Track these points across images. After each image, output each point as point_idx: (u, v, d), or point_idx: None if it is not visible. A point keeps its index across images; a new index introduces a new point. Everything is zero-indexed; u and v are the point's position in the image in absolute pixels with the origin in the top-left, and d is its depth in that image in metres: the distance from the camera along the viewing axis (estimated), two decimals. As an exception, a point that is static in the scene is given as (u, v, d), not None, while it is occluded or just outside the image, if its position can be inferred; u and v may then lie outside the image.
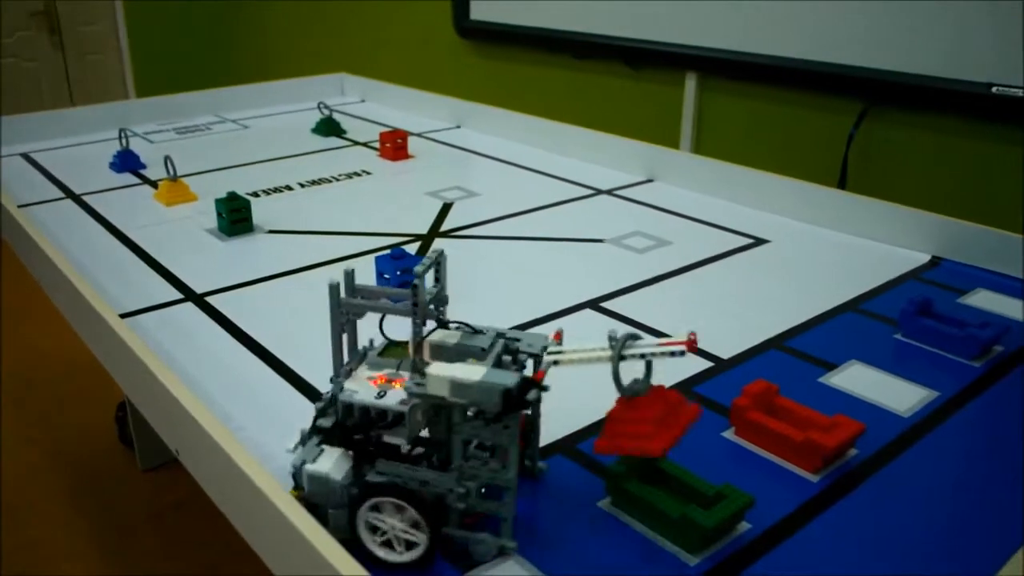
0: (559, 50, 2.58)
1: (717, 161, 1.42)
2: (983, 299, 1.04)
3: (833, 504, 0.68)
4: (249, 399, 0.83)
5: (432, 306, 0.67)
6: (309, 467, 0.61)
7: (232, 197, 1.25)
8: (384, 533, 0.61)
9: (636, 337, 0.60)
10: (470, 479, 0.61)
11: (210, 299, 1.04)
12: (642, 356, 0.59)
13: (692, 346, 0.59)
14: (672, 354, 0.58)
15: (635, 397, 0.60)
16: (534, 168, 1.58)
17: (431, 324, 0.67)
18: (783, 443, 0.73)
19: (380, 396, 0.61)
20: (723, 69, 2.18)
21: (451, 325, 0.67)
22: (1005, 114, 1.73)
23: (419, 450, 0.63)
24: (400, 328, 0.70)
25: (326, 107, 1.87)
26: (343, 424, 0.62)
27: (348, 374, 0.65)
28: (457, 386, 0.57)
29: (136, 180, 1.51)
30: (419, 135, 1.81)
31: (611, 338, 0.60)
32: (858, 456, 0.74)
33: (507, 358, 0.65)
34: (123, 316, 0.99)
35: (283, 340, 0.94)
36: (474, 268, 1.14)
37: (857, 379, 0.86)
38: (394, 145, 1.64)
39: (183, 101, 2.00)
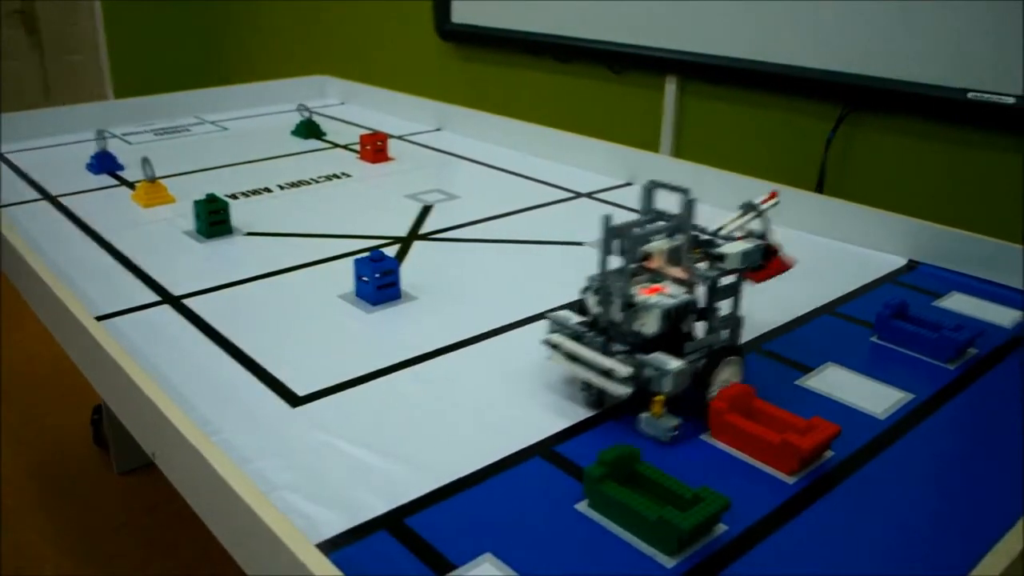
0: (540, 53, 2.58)
1: (696, 164, 1.43)
2: (958, 302, 1.05)
3: (809, 506, 0.68)
4: (226, 402, 0.82)
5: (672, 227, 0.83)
6: (672, 366, 0.74)
7: (211, 199, 1.25)
8: (715, 388, 0.79)
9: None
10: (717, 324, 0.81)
11: (187, 302, 1.03)
12: (764, 213, 0.89)
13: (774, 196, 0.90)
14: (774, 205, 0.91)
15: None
16: (514, 171, 1.58)
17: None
18: (760, 445, 0.73)
19: (674, 297, 0.78)
20: (703, 73, 2.19)
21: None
22: (980, 119, 1.75)
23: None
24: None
25: (306, 109, 1.87)
26: (674, 328, 0.78)
27: (627, 291, 0.78)
28: (746, 255, 0.82)
29: (114, 182, 1.51)
30: (399, 138, 1.81)
31: (749, 205, 0.90)
32: (834, 458, 0.74)
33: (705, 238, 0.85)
34: (99, 319, 0.98)
35: (261, 343, 0.93)
36: (453, 271, 1.14)
37: (834, 381, 0.86)
38: (374, 147, 1.63)
39: (162, 102, 1.99)
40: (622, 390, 0.76)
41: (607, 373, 0.77)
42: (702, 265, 0.82)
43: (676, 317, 0.78)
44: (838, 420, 0.76)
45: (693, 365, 0.78)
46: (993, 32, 1.67)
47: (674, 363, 0.75)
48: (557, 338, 0.81)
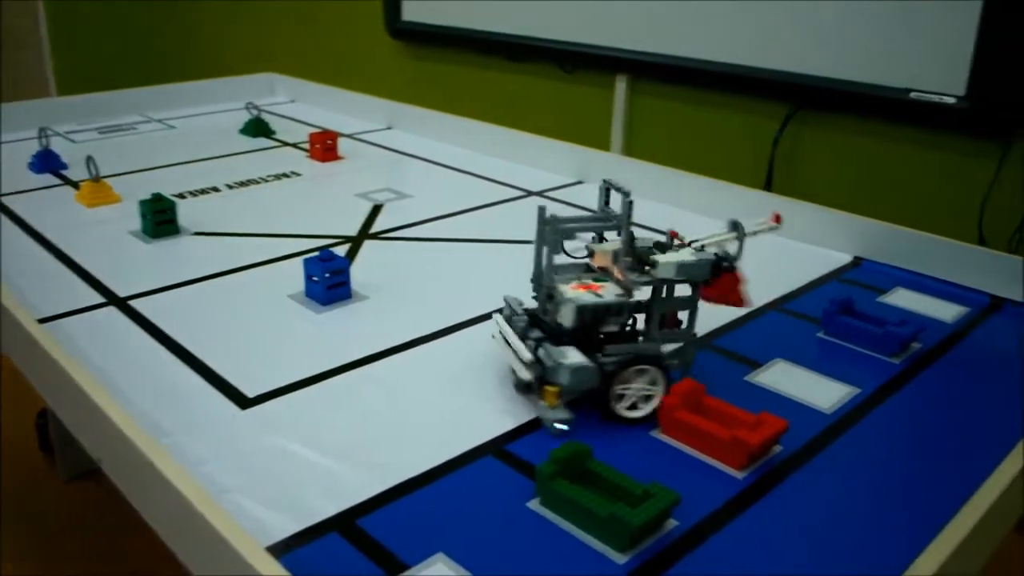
0: (491, 52, 2.58)
1: (646, 163, 1.44)
2: (902, 298, 1.07)
3: (758, 500, 0.69)
4: (174, 405, 0.81)
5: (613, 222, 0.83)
6: (568, 362, 0.75)
7: (157, 198, 1.23)
8: (629, 398, 0.78)
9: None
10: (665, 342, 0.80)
11: (134, 303, 1.02)
12: (755, 234, 0.84)
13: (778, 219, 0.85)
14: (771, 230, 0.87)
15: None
16: (465, 170, 1.58)
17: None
18: (710, 441, 0.74)
19: (600, 297, 0.78)
20: (653, 72, 2.21)
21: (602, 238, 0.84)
22: (922, 119, 1.79)
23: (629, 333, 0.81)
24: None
25: (255, 107, 1.85)
26: (582, 325, 0.78)
27: (559, 284, 0.80)
28: (681, 267, 0.78)
29: (57, 181, 1.48)
30: (350, 136, 1.80)
31: (734, 224, 0.83)
32: (783, 452, 0.75)
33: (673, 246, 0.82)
34: (41, 321, 0.96)
35: (209, 344, 0.92)
36: (404, 270, 1.13)
37: (782, 377, 0.87)
38: (324, 146, 1.62)
39: (107, 100, 1.96)
40: (524, 374, 0.78)
41: (517, 356, 0.79)
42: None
43: (594, 316, 0.78)
44: (786, 415, 0.77)
45: (602, 366, 0.77)
46: (935, 34, 1.70)
47: (573, 359, 0.76)
48: (498, 317, 0.84)
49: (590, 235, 0.84)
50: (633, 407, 0.78)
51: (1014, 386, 0.88)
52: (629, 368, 0.77)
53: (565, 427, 0.77)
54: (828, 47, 1.86)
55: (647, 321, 0.81)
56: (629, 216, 0.78)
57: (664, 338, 0.81)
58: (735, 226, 0.83)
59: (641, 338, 0.81)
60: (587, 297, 0.78)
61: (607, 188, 0.83)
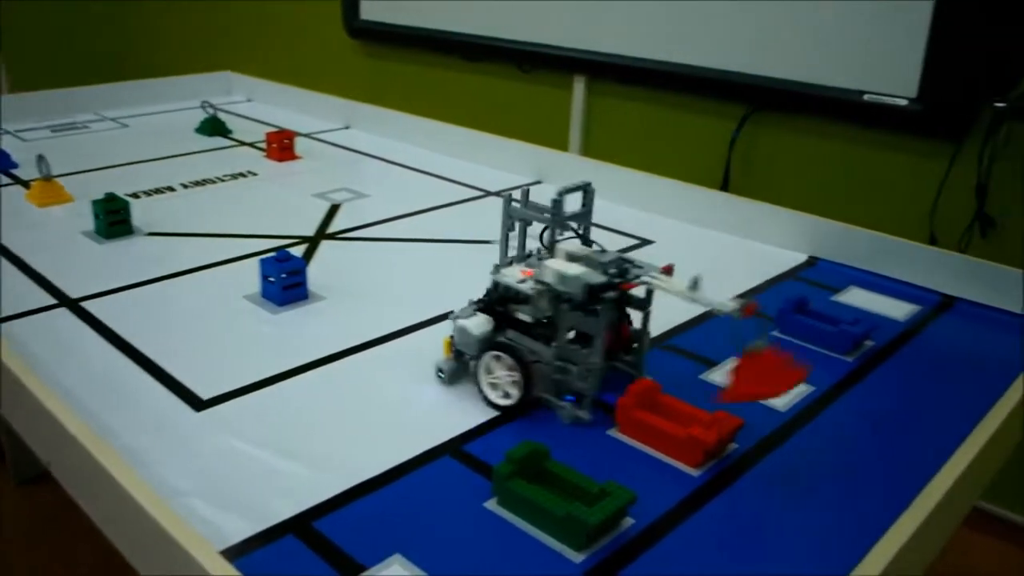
0: (450, 51, 2.57)
1: (604, 163, 1.44)
2: (855, 297, 1.09)
3: (713, 498, 0.70)
4: (127, 407, 0.80)
5: (577, 224, 0.85)
6: (460, 321, 0.82)
7: (110, 198, 1.21)
8: (496, 378, 0.80)
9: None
10: (567, 358, 0.78)
11: (86, 304, 1.00)
12: (710, 305, 0.73)
13: (750, 311, 0.71)
14: (730, 312, 0.71)
15: (758, 353, 0.71)
16: (423, 169, 1.58)
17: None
18: (666, 440, 0.74)
19: (521, 282, 0.80)
20: (611, 73, 2.21)
21: (591, 244, 0.84)
22: (875, 120, 1.81)
23: (540, 331, 0.80)
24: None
25: (211, 106, 1.83)
26: (489, 297, 0.83)
27: (509, 265, 0.84)
28: (560, 276, 0.77)
29: (7, 180, 1.45)
30: (307, 135, 1.79)
31: (695, 281, 0.74)
32: (738, 450, 0.76)
33: (613, 271, 0.78)
34: (-9, 323, 0.94)
35: (163, 346, 0.91)
36: (362, 270, 1.13)
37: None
38: (281, 146, 1.61)
39: (59, 97, 1.92)
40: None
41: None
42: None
43: (504, 295, 0.82)
44: (741, 413, 0.78)
45: (484, 339, 0.81)
46: (888, 37, 1.73)
47: (468, 320, 0.82)
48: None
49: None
50: (506, 396, 0.80)
51: (964, 383, 0.89)
52: (490, 350, 0.80)
53: (441, 375, 0.84)
54: (784, 49, 1.88)
55: (558, 328, 0.79)
56: (557, 213, 0.81)
57: (565, 352, 0.79)
58: (694, 284, 0.75)
59: (550, 342, 0.79)
60: (506, 278, 0.81)
61: (585, 191, 0.85)
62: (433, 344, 0.93)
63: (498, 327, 0.82)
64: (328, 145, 1.73)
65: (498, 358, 0.80)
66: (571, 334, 0.81)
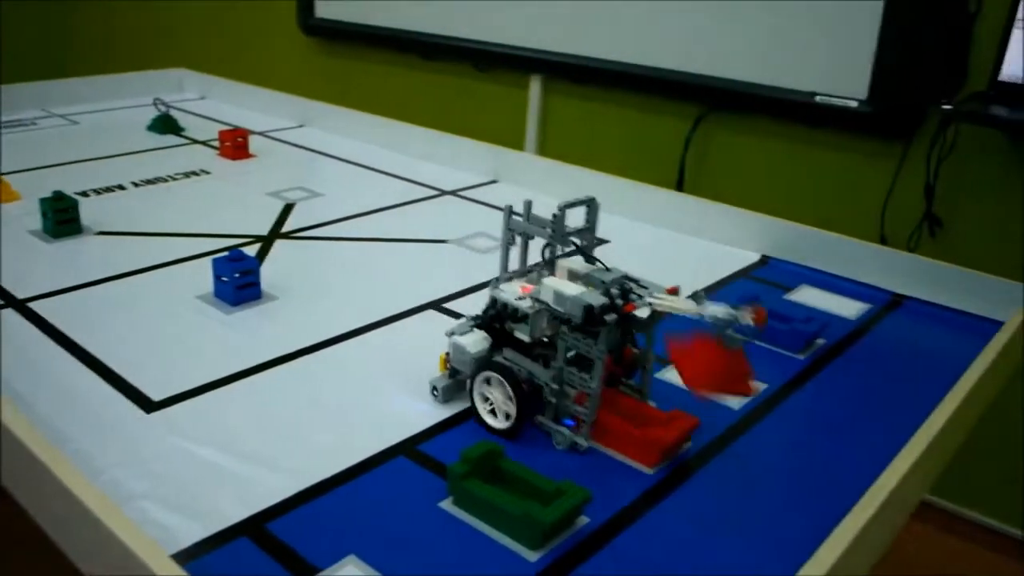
0: (405, 50, 2.57)
1: (560, 163, 1.45)
2: (807, 295, 1.10)
3: (668, 495, 0.70)
4: (77, 410, 0.79)
5: (579, 239, 0.80)
6: (456, 338, 0.79)
7: (58, 196, 1.19)
8: (491, 403, 0.77)
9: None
10: (565, 381, 0.75)
11: (33, 305, 0.98)
12: (715, 318, 0.68)
13: (759, 320, 0.69)
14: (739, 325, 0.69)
15: (732, 348, 0.69)
16: (379, 168, 1.57)
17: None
18: (623, 439, 0.75)
19: (519, 299, 0.77)
20: (567, 73, 2.22)
21: (594, 261, 0.79)
22: (827, 121, 1.84)
23: (540, 351, 0.78)
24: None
25: (163, 103, 1.80)
26: (487, 314, 0.80)
27: (509, 280, 0.81)
28: (558, 296, 0.72)
29: (-49, 178, 1.42)
30: (261, 134, 1.77)
31: (697, 296, 0.70)
32: (691, 449, 0.76)
33: (615, 291, 0.74)
34: (-65, 324, 0.92)
35: (113, 347, 0.90)
36: (316, 270, 1.12)
37: (691, 374, 0.89)
38: (234, 144, 1.59)
39: (5, 93, 1.88)
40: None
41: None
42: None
43: (501, 312, 0.79)
44: (696, 412, 0.79)
45: (480, 359, 0.78)
46: (839, 40, 1.75)
47: (462, 338, 0.79)
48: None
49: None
50: (506, 418, 0.76)
51: (913, 380, 0.91)
52: (496, 373, 0.76)
53: (436, 393, 0.81)
54: (738, 51, 1.90)
55: (556, 348, 0.76)
56: (558, 230, 0.77)
57: (564, 374, 0.75)
58: (698, 297, 0.71)
59: (549, 363, 0.77)
60: (504, 294, 0.78)
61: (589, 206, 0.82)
62: (387, 344, 0.93)
63: (496, 345, 0.79)
64: (282, 143, 1.72)
65: (489, 380, 0.77)
66: (570, 354, 0.76)
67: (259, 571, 0.60)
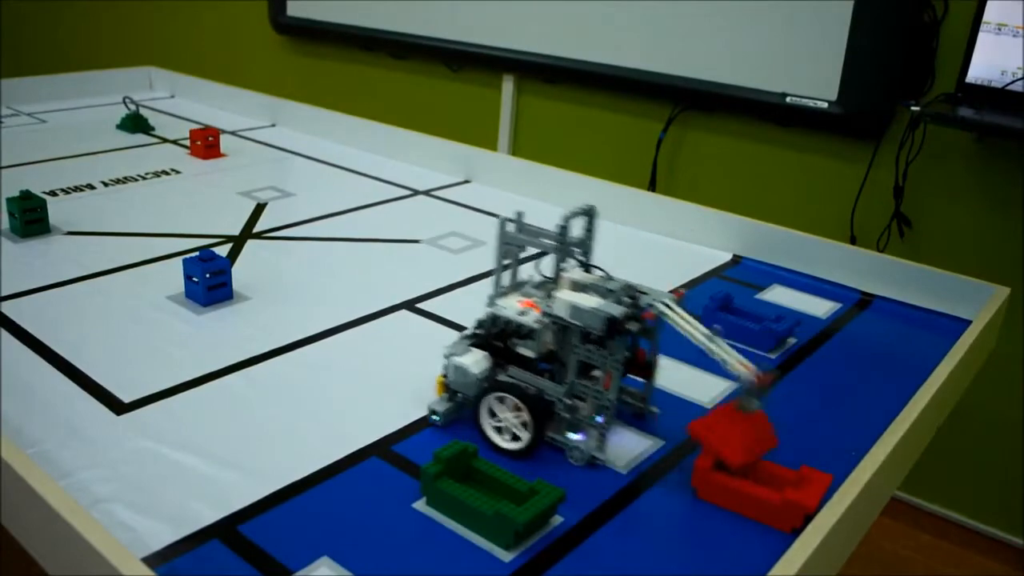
0: (378, 49, 2.56)
1: (532, 163, 1.45)
2: (778, 295, 1.11)
3: (640, 495, 0.70)
4: (45, 412, 0.78)
5: (579, 251, 0.78)
6: (456, 359, 0.76)
7: (26, 196, 1.18)
8: (500, 421, 0.74)
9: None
10: (579, 396, 0.73)
11: (1, 306, 0.97)
12: (724, 362, 0.68)
13: (763, 383, 0.68)
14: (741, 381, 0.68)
15: (745, 411, 0.69)
16: (351, 168, 1.56)
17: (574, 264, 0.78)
18: (758, 506, 0.72)
19: (521, 314, 0.75)
20: (540, 72, 2.22)
21: (592, 269, 0.78)
22: (798, 121, 1.85)
23: (545, 366, 0.76)
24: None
25: (132, 102, 1.79)
26: (488, 331, 0.77)
27: (503, 295, 0.78)
28: (575, 309, 0.70)
29: (-84, 177, 1.40)
30: (232, 133, 1.76)
31: (713, 331, 0.69)
32: (664, 448, 0.77)
33: (627, 299, 0.72)
34: (-101, 325, 0.91)
35: (82, 348, 0.89)
36: (288, 270, 1.11)
37: (664, 372, 0.89)
38: (205, 143, 1.58)
39: (-29, 93, 1.86)
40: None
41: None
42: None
43: (503, 330, 0.77)
44: (668, 409, 0.79)
45: (485, 379, 0.75)
46: (810, 42, 1.77)
47: (462, 358, 0.76)
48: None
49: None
50: (515, 439, 0.74)
51: (882, 378, 0.92)
52: (493, 392, 0.74)
53: (436, 417, 0.77)
54: (710, 52, 1.91)
55: (564, 363, 0.74)
56: (562, 239, 0.75)
57: (575, 387, 0.74)
58: (712, 335, 0.70)
59: (555, 377, 0.75)
60: (504, 310, 0.76)
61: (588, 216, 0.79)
62: (359, 345, 0.93)
63: (497, 364, 0.77)
64: (254, 143, 1.71)
65: (502, 399, 0.74)
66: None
67: (231, 574, 0.60)
